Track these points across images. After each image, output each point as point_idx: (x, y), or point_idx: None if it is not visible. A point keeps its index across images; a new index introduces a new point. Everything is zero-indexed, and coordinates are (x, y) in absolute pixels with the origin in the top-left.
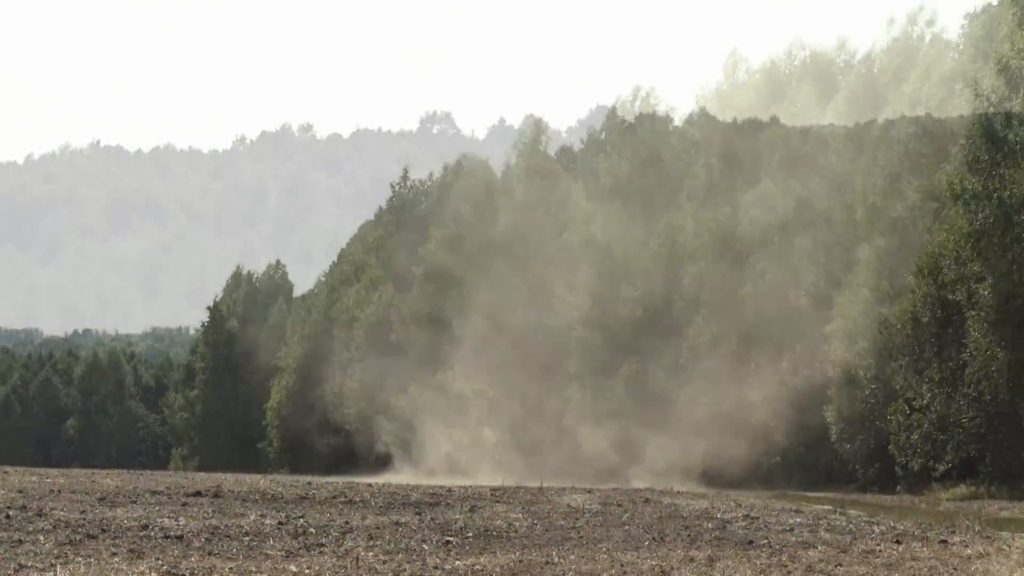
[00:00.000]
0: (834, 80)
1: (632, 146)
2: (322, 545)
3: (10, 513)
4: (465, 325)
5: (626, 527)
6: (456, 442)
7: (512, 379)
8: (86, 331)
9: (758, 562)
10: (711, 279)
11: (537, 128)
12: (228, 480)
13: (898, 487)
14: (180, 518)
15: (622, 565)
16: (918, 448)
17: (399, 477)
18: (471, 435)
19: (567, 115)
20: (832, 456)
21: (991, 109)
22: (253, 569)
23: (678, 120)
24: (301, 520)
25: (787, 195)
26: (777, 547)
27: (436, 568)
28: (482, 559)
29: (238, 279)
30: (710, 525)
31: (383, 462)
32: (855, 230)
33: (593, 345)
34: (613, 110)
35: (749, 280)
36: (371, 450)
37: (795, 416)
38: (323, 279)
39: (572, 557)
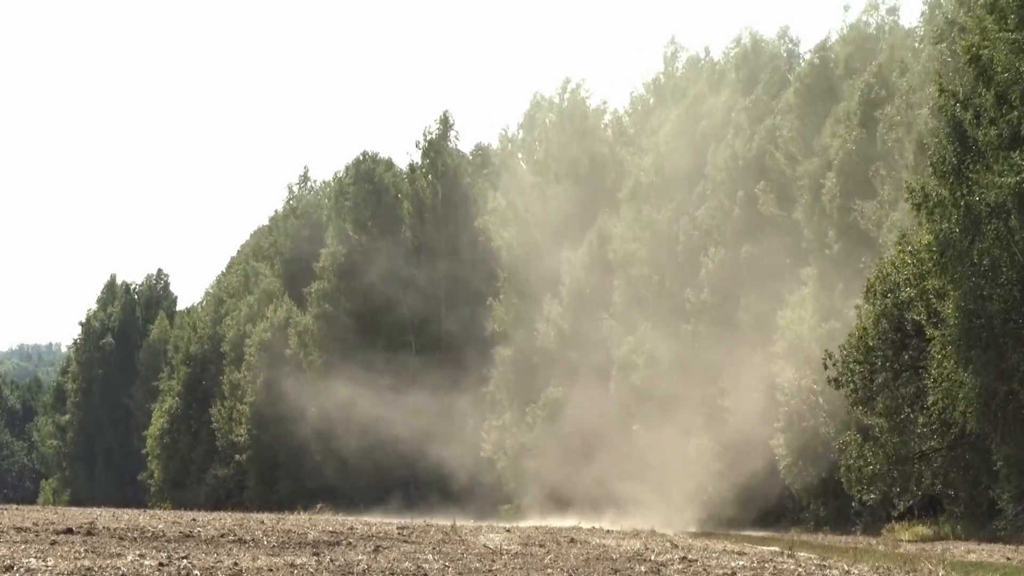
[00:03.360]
0: (779, 72)
1: (559, 142)
2: None
3: None
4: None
5: (549, 571)
6: None
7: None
8: None
9: None
10: (645, 291)
11: (445, 124)
12: (103, 516)
13: (854, 526)
14: (48, 559)
15: None
16: (873, 484)
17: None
18: None
19: (488, 109)
20: (782, 491)
21: (958, 106)
22: None
23: (610, 115)
24: (185, 561)
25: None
26: None
27: None
28: None
29: (113, 290)
30: (643, 568)
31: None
32: (801, 241)
33: (516, 365)
34: (539, 103)
35: (689, 292)
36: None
37: (740, 447)
38: (210, 290)
39: None
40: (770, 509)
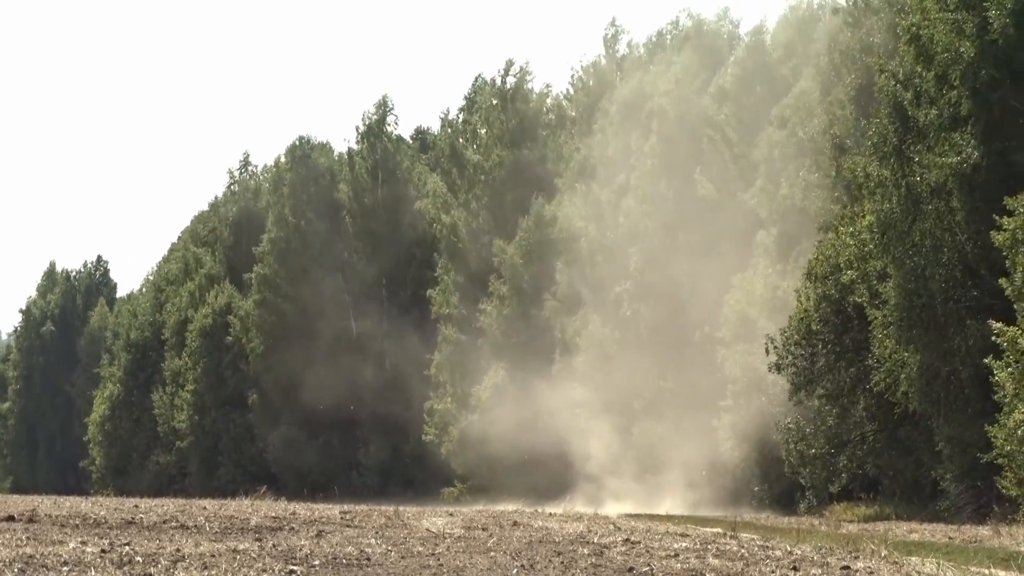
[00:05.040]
0: (720, 55)
1: (502, 125)
2: None
3: None
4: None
5: (492, 554)
6: None
7: None
8: None
9: None
10: (589, 272)
11: (383, 108)
12: (45, 503)
13: (798, 508)
14: None
15: None
16: (815, 466)
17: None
18: None
19: (428, 93)
20: (727, 472)
21: (899, 87)
22: None
23: (552, 97)
24: (127, 548)
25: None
26: (660, 575)
27: None
28: None
29: (53, 277)
30: (586, 551)
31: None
32: (745, 224)
33: (459, 348)
34: (481, 86)
35: (629, 277)
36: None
37: (684, 430)
38: (150, 277)
39: None
40: (715, 492)
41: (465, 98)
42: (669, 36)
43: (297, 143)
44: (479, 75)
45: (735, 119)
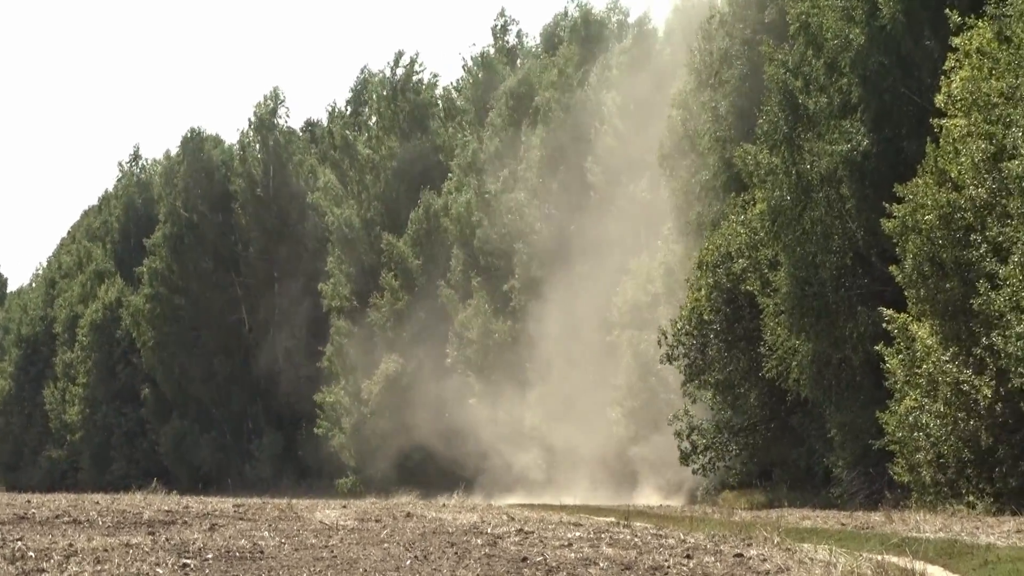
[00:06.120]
0: (608, 45)
1: (392, 117)
2: (43, 571)
3: None
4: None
5: (385, 545)
6: None
7: None
8: None
9: None
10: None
11: (275, 100)
12: None
13: (694, 495)
14: None
15: None
16: (707, 455)
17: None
18: None
19: (320, 84)
20: (621, 461)
21: (789, 75)
22: None
23: (442, 88)
24: (19, 543)
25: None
26: (554, 565)
27: None
28: None
29: None
30: (479, 541)
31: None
32: (636, 214)
33: (352, 338)
34: (367, 78)
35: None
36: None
37: (575, 420)
38: (41, 271)
39: None
40: (612, 480)
41: (351, 90)
42: (558, 27)
43: (190, 135)
44: (364, 67)
45: (623, 109)
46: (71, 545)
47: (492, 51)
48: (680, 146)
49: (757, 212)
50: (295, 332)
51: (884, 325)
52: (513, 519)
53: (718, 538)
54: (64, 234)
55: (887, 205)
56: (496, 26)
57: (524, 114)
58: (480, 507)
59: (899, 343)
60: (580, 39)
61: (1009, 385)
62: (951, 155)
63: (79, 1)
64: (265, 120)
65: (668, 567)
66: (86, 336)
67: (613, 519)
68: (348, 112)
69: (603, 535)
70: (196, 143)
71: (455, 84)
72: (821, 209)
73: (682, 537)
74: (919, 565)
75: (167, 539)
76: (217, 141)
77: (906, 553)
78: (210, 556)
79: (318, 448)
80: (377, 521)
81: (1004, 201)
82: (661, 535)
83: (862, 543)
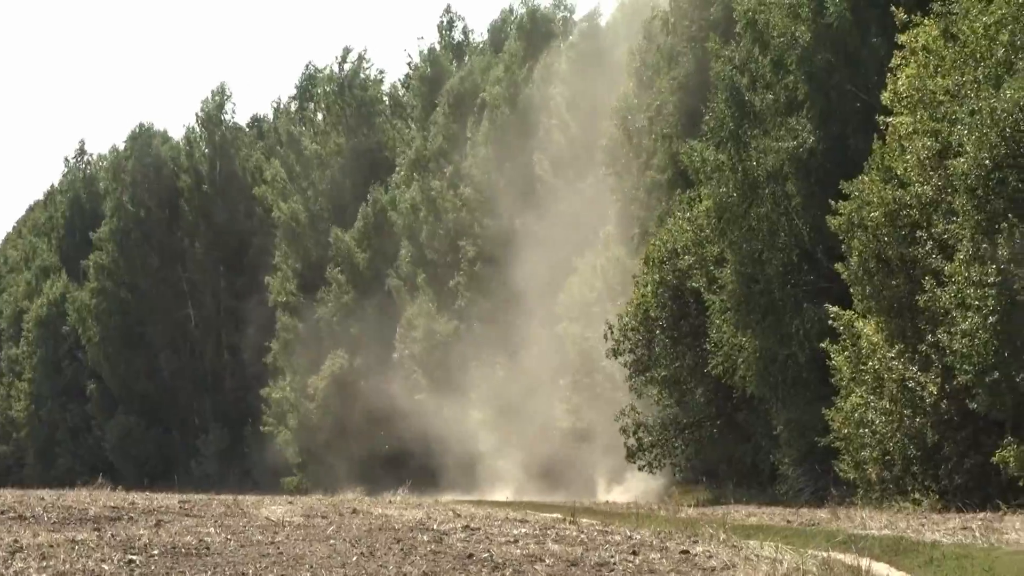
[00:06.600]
0: (554, 41)
1: (338, 113)
2: None
3: None
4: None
5: (331, 541)
6: None
7: None
8: None
9: None
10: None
11: (221, 95)
12: None
13: (640, 492)
14: None
15: None
16: (653, 451)
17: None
18: None
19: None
20: (567, 458)
21: (735, 71)
22: None
23: (388, 84)
24: None
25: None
26: (500, 561)
27: None
28: None
29: None
30: (425, 537)
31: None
32: (584, 208)
33: (298, 335)
34: (312, 74)
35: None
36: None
37: (521, 417)
38: None
39: None
40: (559, 478)
41: (296, 86)
42: (505, 23)
43: (138, 131)
44: (309, 63)
45: (571, 104)
46: (16, 541)
47: (439, 47)
48: (625, 144)
49: (703, 209)
50: (241, 327)
51: (830, 322)
52: (459, 515)
53: (664, 535)
54: (9, 229)
55: (833, 202)
56: (442, 23)
57: (470, 110)
58: (426, 503)
59: (845, 340)
60: (526, 35)
61: (954, 382)
62: (897, 152)
63: None
64: (212, 115)
65: (614, 563)
66: (31, 332)
67: (559, 515)
68: (294, 108)
69: (549, 531)
70: (144, 138)
71: (402, 80)
72: (767, 206)
73: (628, 534)
74: (865, 562)
75: (113, 535)
76: (165, 137)
77: (852, 550)
78: (156, 552)
79: (264, 444)
80: (323, 517)
81: (949, 198)
82: (607, 531)
83: (808, 540)
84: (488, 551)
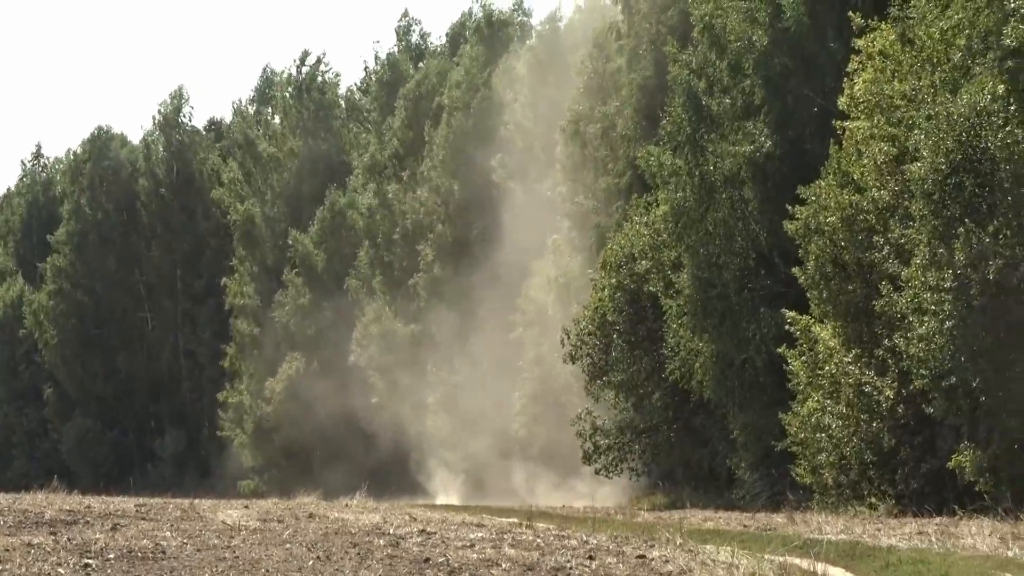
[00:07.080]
0: (511, 45)
1: (297, 116)
2: None
3: None
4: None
5: (288, 545)
6: None
7: None
8: None
9: None
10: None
11: (179, 98)
12: None
13: (596, 496)
14: None
15: None
16: (608, 456)
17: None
18: None
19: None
20: (523, 462)
21: (692, 76)
22: None
23: (346, 88)
24: None
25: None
26: (456, 565)
27: None
28: None
29: None
30: (382, 542)
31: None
32: (542, 212)
33: (255, 338)
34: (270, 78)
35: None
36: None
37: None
38: None
39: None
40: (515, 481)
41: (254, 89)
42: (464, 27)
43: (96, 134)
44: (267, 65)
45: (530, 107)
46: None
47: (396, 51)
48: (579, 153)
49: (660, 213)
50: (198, 330)
51: (787, 327)
52: (415, 519)
53: (620, 539)
54: None
55: (790, 207)
56: (400, 27)
57: (427, 114)
58: (383, 507)
59: (802, 345)
60: (484, 39)
61: (911, 387)
62: (854, 157)
63: None
64: (169, 119)
65: (570, 568)
66: None
67: (515, 520)
68: (252, 111)
69: (505, 536)
70: (103, 141)
71: (359, 84)
72: (724, 210)
73: (584, 538)
74: (821, 567)
75: (69, 539)
76: (124, 140)
77: (808, 555)
78: (112, 556)
79: (221, 448)
80: (279, 521)
81: (906, 203)
82: (563, 536)
83: (764, 544)
84: (444, 556)
